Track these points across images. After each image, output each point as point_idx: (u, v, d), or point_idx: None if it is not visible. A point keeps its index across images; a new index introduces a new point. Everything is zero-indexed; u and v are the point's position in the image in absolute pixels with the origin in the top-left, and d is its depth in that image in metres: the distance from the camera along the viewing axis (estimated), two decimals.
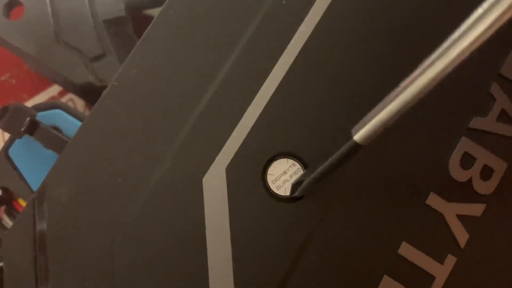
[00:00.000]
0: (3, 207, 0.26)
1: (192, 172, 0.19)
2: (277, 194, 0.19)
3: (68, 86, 0.27)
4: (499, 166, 0.20)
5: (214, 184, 0.19)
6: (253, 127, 0.19)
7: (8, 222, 0.26)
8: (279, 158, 0.19)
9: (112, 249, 0.18)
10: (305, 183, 0.18)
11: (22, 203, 0.26)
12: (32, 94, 0.34)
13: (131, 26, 0.28)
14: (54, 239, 0.18)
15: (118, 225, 0.18)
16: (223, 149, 0.19)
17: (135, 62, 0.20)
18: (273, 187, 0.19)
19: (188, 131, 0.19)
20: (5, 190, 0.25)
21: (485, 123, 0.20)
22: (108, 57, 0.26)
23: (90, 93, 0.26)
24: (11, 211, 0.25)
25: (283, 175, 0.19)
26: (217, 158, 0.19)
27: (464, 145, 0.20)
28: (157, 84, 0.19)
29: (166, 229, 0.18)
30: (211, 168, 0.19)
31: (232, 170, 0.19)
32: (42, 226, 0.18)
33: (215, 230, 0.18)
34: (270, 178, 0.19)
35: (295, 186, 0.19)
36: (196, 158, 0.19)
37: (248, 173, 0.19)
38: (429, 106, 0.19)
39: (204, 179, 0.19)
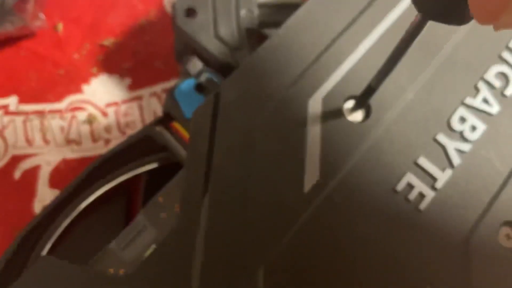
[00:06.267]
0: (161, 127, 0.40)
1: (303, 93, 0.33)
2: (348, 119, 0.33)
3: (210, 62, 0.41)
4: None
5: (315, 105, 0.33)
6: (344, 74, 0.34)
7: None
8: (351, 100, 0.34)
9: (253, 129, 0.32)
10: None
11: (178, 126, 0.39)
12: None
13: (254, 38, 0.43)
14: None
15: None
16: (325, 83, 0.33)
17: None
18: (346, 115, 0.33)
19: None
20: (167, 114, 0.39)
21: None
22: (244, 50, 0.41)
23: (225, 71, 0.41)
24: (168, 129, 0.39)
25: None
26: (320, 88, 0.33)
27: None
28: None
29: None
30: (315, 94, 0.33)
31: (326, 99, 0.33)
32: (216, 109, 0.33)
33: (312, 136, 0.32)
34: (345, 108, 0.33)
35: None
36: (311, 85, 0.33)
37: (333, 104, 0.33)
38: None
39: (309, 100, 0.33)
